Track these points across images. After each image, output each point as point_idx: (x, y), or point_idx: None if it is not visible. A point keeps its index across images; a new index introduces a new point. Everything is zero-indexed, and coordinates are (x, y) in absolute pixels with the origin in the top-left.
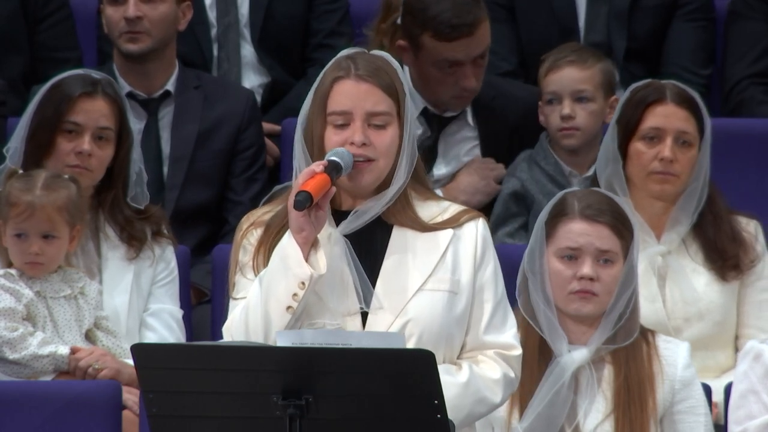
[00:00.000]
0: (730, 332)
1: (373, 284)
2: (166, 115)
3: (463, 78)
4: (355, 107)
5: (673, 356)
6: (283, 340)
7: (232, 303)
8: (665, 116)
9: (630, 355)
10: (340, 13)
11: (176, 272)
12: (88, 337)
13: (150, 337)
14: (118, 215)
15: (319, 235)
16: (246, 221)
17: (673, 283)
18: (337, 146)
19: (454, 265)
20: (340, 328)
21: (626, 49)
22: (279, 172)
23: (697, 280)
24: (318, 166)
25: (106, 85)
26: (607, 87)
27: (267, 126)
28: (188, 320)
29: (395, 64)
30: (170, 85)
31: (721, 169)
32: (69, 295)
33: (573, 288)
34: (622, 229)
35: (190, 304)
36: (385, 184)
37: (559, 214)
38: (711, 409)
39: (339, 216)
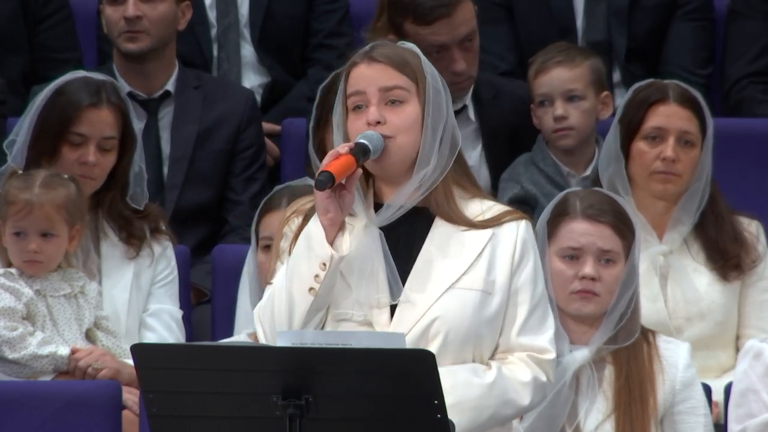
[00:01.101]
0: (731, 332)
1: (407, 277)
2: (165, 115)
3: (452, 62)
4: (368, 86)
5: (674, 357)
6: (283, 340)
7: (267, 288)
8: (668, 116)
9: (631, 355)
10: (340, 13)
11: (176, 271)
12: (88, 336)
13: (149, 338)
14: (116, 215)
15: (356, 225)
16: (290, 209)
17: (675, 283)
18: (358, 130)
19: (490, 266)
20: (367, 319)
21: (626, 48)
22: (279, 172)
23: (699, 280)
24: (343, 148)
25: (111, 92)
26: (598, 84)
27: (267, 126)
28: (188, 320)
29: (417, 52)
30: (170, 85)
31: (721, 169)
32: (69, 293)
33: (574, 288)
34: (624, 229)
35: (190, 304)
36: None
37: (560, 214)
38: (711, 409)
39: (380, 208)
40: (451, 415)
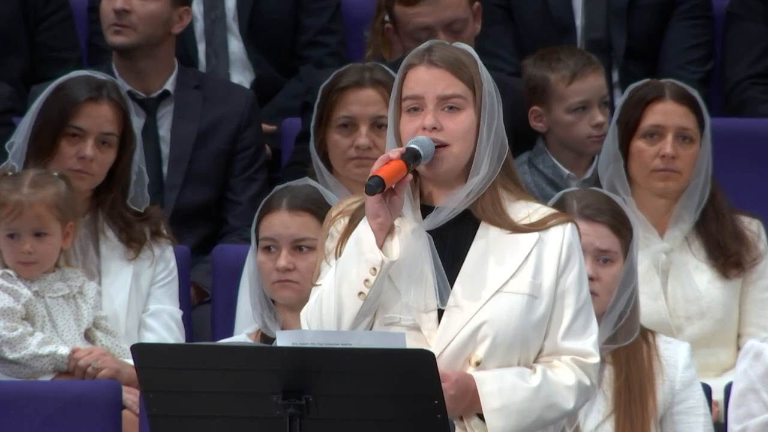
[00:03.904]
0: (732, 330)
1: (453, 281)
2: (165, 115)
3: None
4: (427, 92)
5: (674, 357)
6: (283, 340)
7: (313, 289)
8: (665, 113)
9: (630, 356)
10: (330, 10)
11: (176, 272)
12: (88, 337)
13: (149, 338)
14: (117, 217)
15: (403, 229)
16: (335, 209)
17: (676, 281)
18: (411, 132)
19: (537, 269)
20: (415, 324)
21: (625, 47)
22: (278, 172)
23: (700, 278)
24: (394, 153)
25: (111, 89)
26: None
27: None
28: (188, 320)
29: (474, 55)
30: (169, 85)
31: (722, 168)
32: (67, 294)
33: None
34: (622, 228)
35: (190, 304)
36: (467, 175)
37: None
38: (711, 408)
39: (429, 212)
40: (497, 418)
